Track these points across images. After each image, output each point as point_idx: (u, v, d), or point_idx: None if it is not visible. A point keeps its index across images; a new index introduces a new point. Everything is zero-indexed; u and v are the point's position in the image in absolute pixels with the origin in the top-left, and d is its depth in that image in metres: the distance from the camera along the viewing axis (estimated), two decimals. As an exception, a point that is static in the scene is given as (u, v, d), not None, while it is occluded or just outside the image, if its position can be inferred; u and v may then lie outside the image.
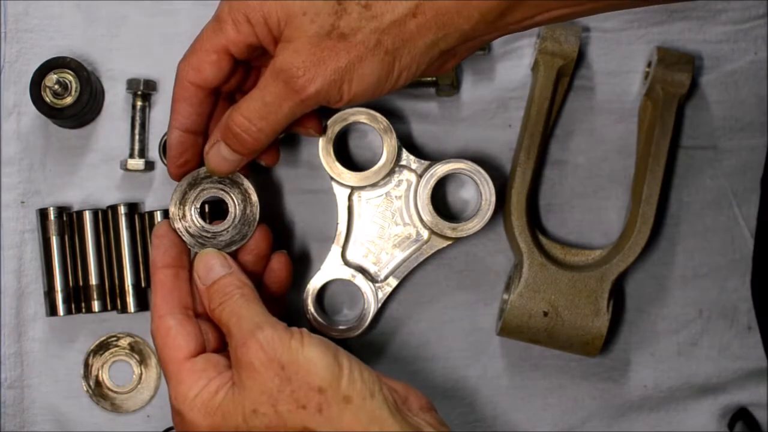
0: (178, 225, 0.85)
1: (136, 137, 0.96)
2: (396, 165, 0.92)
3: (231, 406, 0.75)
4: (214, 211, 0.91)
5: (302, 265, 0.97)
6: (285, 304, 0.91)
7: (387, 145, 0.91)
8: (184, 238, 0.85)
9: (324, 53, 0.76)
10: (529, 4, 0.75)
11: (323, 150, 0.91)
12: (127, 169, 0.95)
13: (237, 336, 0.76)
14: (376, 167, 0.92)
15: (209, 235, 0.86)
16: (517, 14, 0.75)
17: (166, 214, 0.90)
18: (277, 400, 0.74)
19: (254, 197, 0.86)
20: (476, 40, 0.78)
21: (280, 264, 0.88)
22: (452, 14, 0.74)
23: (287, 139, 0.97)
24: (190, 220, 0.85)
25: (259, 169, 0.94)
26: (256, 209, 0.86)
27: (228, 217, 0.86)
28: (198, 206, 0.86)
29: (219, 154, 0.82)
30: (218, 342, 0.82)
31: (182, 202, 0.85)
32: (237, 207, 0.86)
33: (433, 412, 0.79)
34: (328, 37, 0.75)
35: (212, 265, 0.82)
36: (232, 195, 0.86)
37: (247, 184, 0.86)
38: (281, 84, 0.77)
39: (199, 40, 0.81)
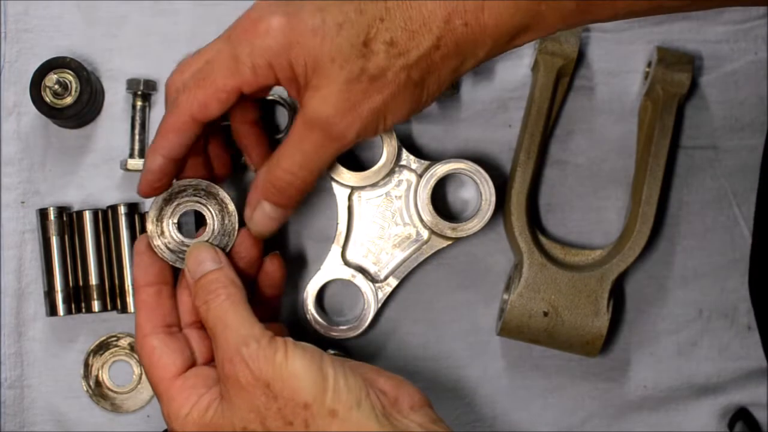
0: (157, 242, 0.84)
1: (136, 137, 0.96)
2: (396, 165, 0.92)
3: (222, 422, 0.75)
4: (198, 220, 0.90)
5: (302, 265, 0.97)
6: (279, 306, 0.90)
7: (387, 145, 0.91)
8: (164, 255, 0.84)
9: (357, 97, 0.76)
10: (536, 29, 0.77)
11: (323, 150, 0.91)
12: (127, 169, 0.95)
13: (223, 349, 0.76)
14: (376, 167, 0.92)
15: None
16: (525, 38, 0.78)
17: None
18: (265, 418, 0.74)
19: (231, 206, 0.85)
20: (486, 60, 0.80)
21: (274, 266, 0.88)
22: (469, 43, 0.76)
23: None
24: (168, 236, 0.84)
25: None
26: (235, 218, 0.85)
27: (207, 230, 0.85)
28: (175, 221, 0.85)
29: (265, 216, 0.82)
30: (207, 354, 0.82)
31: (159, 218, 0.84)
32: (215, 218, 0.85)
33: (426, 409, 0.78)
34: (358, 81, 0.76)
35: (202, 259, 0.81)
36: (209, 207, 0.85)
37: (223, 194, 0.85)
38: (319, 133, 0.77)
39: (210, 77, 0.78)
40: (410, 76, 0.76)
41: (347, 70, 0.75)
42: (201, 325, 0.82)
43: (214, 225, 0.85)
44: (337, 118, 0.77)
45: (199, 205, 0.85)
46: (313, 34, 0.75)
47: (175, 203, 0.84)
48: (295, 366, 0.74)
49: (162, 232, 0.84)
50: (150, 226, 0.84)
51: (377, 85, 0.76)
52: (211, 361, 0.82)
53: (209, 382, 0.78)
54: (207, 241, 0.84)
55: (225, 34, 0.79)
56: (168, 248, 0.84)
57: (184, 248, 0.84)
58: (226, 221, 0.85)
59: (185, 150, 0.82)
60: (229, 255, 0.85)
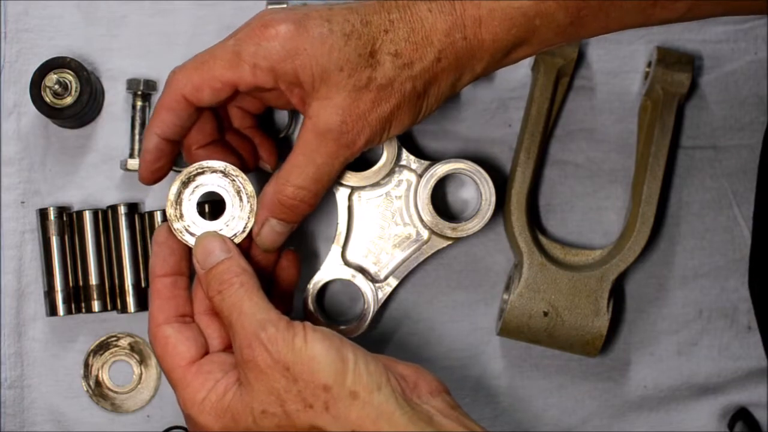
0: (177, 226, 0.84)
1: (136, 137, 0.96)
2: (396, 165, 0.92)
3: (240, 406, 0.75)
4: (217, 207, 0.90)
5: (303, 265, 0.96)
6: (292, 302, 0.91)
7: (387, 145, 0.91)
8: (185, 238, 0.84)
9: (366, 105, 0.78)
10: (532, 44, 0.79)
11: (323, 150, 0.91)
12: (127, 169, 0.95)
13: (240, 335, 0.76)
14: (376, 167, 0.92)
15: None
16: (521, 52, 0.80)
17: (165, 214, 0.90)
18: (285, 401, 0.74)
19: (249, 187, 0.85)
20: (483, 75, 0.82)
21: (289, 261, 0.88)
22: (467, 57, 0.78)
23: (286, 139, 0.97)
24: (188, 219, 0.85)
25: (259, 170, 0.94)
26: (253, 200, 0.85)
27: (226, 211, 0.85)
28: (194, 204, 0.85)
29: (273, 232, 0.83)
30: (223, 341, 0.82)
31: (178, 202, 0.85)
32: (233, 199, 0.85)
33: (444, 395, 0.78)
34: (366, 90, 0.77)
35: (210, 249, 0.81)
36: (227, 189, 0.85)
37: (242, 176, 0.85)
38: (331, 143, 0.79)
39: (208, 64, 0.79)
40: (415, 86, 0.78)
41: (355, 78, 0.77)
42: (215, 312, 0.82)
43: (233, 206, 0.85)
44: (348, 126, 0.78)
45: (217, 187, 0.85)
46: (321, 43, 0.76)
47: (194, 186, 0.85)
48: (315, 349, 0.74)
49: (181, 216, 0.84)
50: (169, 210, 0.84)
51: (384, 95, 0.78)
52: (226, 347, 0.82)
53: (225, 367, 0.78)
54: (226, 222, 0.85)
55: (232, 34, 0.80)
56: (188, 231, 0.84)
57: (205, 230, 0.84)
58: (245, 202, 0.85)
59: (179, 131, 0.83)
60: (249, 246, 0.85)
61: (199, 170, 0.85)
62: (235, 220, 0.85)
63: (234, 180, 0.85)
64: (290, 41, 0.77)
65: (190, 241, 0.84)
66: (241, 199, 0.85)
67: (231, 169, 0.85)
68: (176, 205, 0.85)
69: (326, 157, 0.79)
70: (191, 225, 0.85)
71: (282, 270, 0.88)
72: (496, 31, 0.77)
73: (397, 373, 0.77)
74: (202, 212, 0.91)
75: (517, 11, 0.77)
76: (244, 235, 0.85)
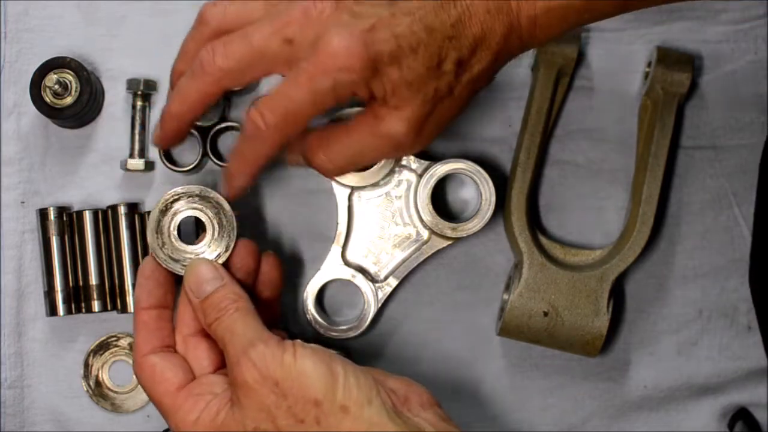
0: (160, 254, 0.84)
1: (136, 137, 0.96)
2: (396, 165, 0.92)
3: (233, 425, 0.75)
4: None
5: (302, 265, 0.97)
6: (278, 309, 0.90)
7: (387, 145, 0.91)
8: (169, 265, 0.84)
9: (428, 116, 0.78)
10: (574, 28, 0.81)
11: (323, 150, 0.91)
12: (127, 169, 0.95)
13: (231, 354, 0.76)
14: (376, 167, 0.92)
15: (193, 255, 0.84)
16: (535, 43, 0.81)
17: None
18: (276, 416, 0.74)
19: (227, 206, 0.84)
20: None
21: (269, 265, 0.87)
22: (519, 52, 0.80)
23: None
24: (170, 246, 0.84)
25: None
26: (232, 218, 0.85)
27: (207, 233, 0.85)
28: (175, 231, 0.85)
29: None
30: (212, 362, 0.82)
31: (158, 231, 0.84)
32: (212, 221, 0.85)
33: (435, 408, 0.78)
34: (432, 102, 0.77)
35: (204, 278, 0.81)
36: (204, 211, 0.85)
37: (217, 196, 0.84)
38: (385, 143, 0.79)
39: (285, 102, 0.77)
40: (474, 89, 0.79)
41: (423, 92, 0.77)
42: (204, 334, 0.82)
43: (213, 227, 0.85)
44: (409, 138, 0.78)
45: (195, 210, 0.85)
46: (391, 61, 0.75)
47: (172, 212, 0.85)
48: (304, 364, 0.74)
49: (163, 243, 0.84)
50: (151, 239, 0.84)
51: (446, 103, 0.78)
52: (216, 368, 0.82)
53: (216, 388, 0.78)
54: (208, 244, 0.84)
55: (289, 39, 0.77)
56: (171, 258, 0.84)
57: (188, 255, 0.84)
58: (224, 222, 0.85)
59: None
60: (229, 267, 0.85)
61: (175, 197, 0.84)
62: (217, 241, 0.85)
63: (210, 201, 0.85)
64: (366, 69, 0.75)
65: (176, 268, 0.84)
66: (220, 219, 0.85)
67: (206, 191, 0.85)
68: (157, 234, 0.84)
69: (372, 149, 0.80)
70: (174, 251, 0.84)
71: (263, 275, 0.87)
72: (550, 29, 0.78)
73: (388, 386, 0.77)
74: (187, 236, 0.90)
75: (571, 9, 0.77)
76: (228, 254, 0.84)
